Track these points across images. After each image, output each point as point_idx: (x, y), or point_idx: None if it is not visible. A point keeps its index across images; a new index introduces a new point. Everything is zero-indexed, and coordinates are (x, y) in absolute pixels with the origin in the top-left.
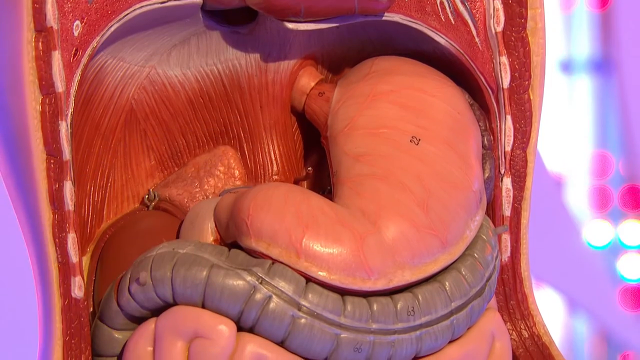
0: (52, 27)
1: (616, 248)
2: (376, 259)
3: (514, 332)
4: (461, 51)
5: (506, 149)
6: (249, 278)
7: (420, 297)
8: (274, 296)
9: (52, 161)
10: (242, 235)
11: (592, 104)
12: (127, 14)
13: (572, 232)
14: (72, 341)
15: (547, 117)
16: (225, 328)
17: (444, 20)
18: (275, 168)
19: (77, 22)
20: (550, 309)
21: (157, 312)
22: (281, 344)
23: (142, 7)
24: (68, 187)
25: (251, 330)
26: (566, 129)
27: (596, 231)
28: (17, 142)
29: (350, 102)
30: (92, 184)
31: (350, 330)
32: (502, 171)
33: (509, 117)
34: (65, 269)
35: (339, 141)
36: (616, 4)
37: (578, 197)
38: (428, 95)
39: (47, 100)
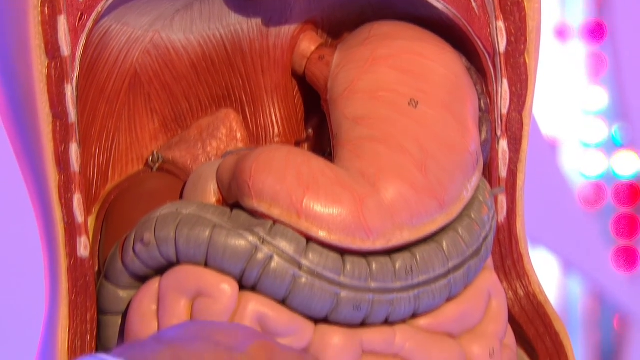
0: None
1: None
2: (375, 220)
3: (509, 291)
4: (458, 16)
5: (502, 112)
6: (250, 238)
7: (418, 256)
8: (275, 256)
9: (58, 124)
10: (244, 196)
11: (585, 69)
12: None
13: (566, 195)
14: (78, 299)
15: (542, 82)
16: (227, 287)
17: None
18: (276, 131)
19: None
20: (544, 270)
21: (161, 271)
22: (282, 302)
23: None
24: (74, 149)
25: (253, 289)
26: (560, 94)
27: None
28: (24, 106)
29: (350, 66)
30: (97, 146)
31: (350, 289)
32: (499, 134)
33: (505, 81)
34: (71, 229)
35: (339, 104)
36: None
37: (572, 160)
38: (426, 59)
39: (53, 64)
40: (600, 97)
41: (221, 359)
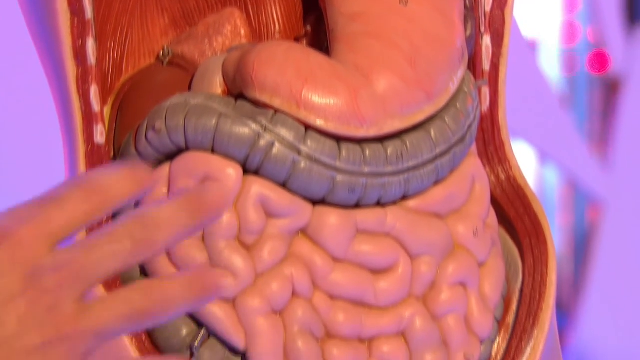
0: None
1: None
2: (368, 109)
3: (492, 175)
4: None
5: (486, 10)
6: (253, 126)
7: (408, 143)
8: (276, 142)
9: (75, 20)
10: (248, 88)
11: None
12: None
13: (544, 91)
14: None
15: None
16: (232, 171)
17: None
18: (277, 28)
19: None
20: (523, 161)
21: (171, 157)
22: (283, 185)
23: None
24: (90, 44)
25: (256, 173)
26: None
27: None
28: (44, 4)
29: None
30: (111, 41)
31: (345, 173)
32: (482, 30)
33: None
34: (89, 118)
35: (335, 2)
36: None
37: (550, 60)
38: None
39: None
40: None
41: None
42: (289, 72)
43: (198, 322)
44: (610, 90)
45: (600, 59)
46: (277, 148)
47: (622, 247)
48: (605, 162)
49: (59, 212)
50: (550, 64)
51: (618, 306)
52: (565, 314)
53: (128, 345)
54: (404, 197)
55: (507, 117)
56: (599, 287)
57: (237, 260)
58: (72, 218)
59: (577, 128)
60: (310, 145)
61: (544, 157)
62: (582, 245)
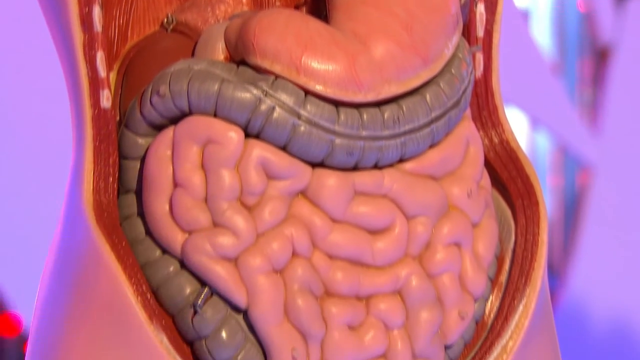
0: None
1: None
2: (366, 74)
3: (485, 139)
4: None
5: None
6: (255, 91)
7: (404, 107)
8: (277, 107)
9: None
10: (249, 54)
11: None
12: None
13: (536, 59)
14: (102, 146)
15: None
16: (234, 134)
17: None
18: None
19: None
20: (515, 126)
21: (175, 121)
22: (283, 148)
23: None
24: (96, 11)
25: (257, 137)
26: None
27: None
28: None
29: None
30: (117, 9)
31: (344, 137)
32: None
33: None
34: (95, 83)
35: None
36: None
37: (541, 28)
38: None
39: None
40: None
41: None
42: (289, 39)
43: (201, 281)
44: (599, 58)
45: (590, 24)
46: (277, 112)
47: (610, 209)
48: (595, 128)
49: None
50: (542, 32)
51: (606, 266)
52: (555, 273)
53: (133, 303)
54: (401, 160)
55: (500, 83)
56: (588, 248)
57: (239, 221)
58: None
59: (567, 95)
60: (310, 109)
61: (536, 123)
62: (572, 208)
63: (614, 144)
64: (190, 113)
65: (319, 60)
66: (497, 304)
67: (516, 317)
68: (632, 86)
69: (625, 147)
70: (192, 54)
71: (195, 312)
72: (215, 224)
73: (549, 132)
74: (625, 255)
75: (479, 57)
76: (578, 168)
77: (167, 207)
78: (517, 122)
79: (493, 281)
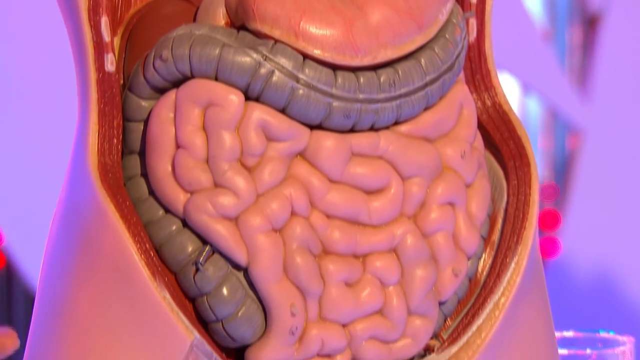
0: None
1: None
2: (363, 39)
3: (478, 102)
4: None
5: None
6: (254, 55)
7: (400, 71)
8: (276, 71)
9: None
10: (249, 19)
11: None
12: None
13: (527, 26)
14: (106, 108)
15: None
16: (235, 97)
17: None
18: None
19: None
20: (507, 91)
21: (177, 84)
22: (282, 111)
23: None
24: None
25: (257, 100)
26: None
27: None
28: None
29: None
30: None
31: (341, 100)
32: None
33: None
34: (100, 47)
35: None
36: None
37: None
38: None
39: None
40: None
41: None
42: (288, 4)
43: (203, 239)
44: (589, 25)
45: None
46: (276, 76)
47: (599, 172)
48: (584, 93)
49: None
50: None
51: (594, 224)
52: (546, 232)
53: (137, 260)
54: (396, 123)
55: (492, 48)
56: (578, 208)
57: (240, 181)
58: None
59: (557, 61)
60: (308, 73)
61: (527, 88)
62: (562, 170)
63: (602, 109)
64: (192, 77)
65: (317, 25)
66: (489, 261)
67: (508, 274)
68: (621, 53)
69: (614, 112)
70: (194, 20)
71: (197, 270)
72: (216, 184)
73: (539, 96)
74: (611, 212)
75: (472, 22)
76: (568, 132)
77: (169, 167)
78: (509, 87)
79: (486, 240)
